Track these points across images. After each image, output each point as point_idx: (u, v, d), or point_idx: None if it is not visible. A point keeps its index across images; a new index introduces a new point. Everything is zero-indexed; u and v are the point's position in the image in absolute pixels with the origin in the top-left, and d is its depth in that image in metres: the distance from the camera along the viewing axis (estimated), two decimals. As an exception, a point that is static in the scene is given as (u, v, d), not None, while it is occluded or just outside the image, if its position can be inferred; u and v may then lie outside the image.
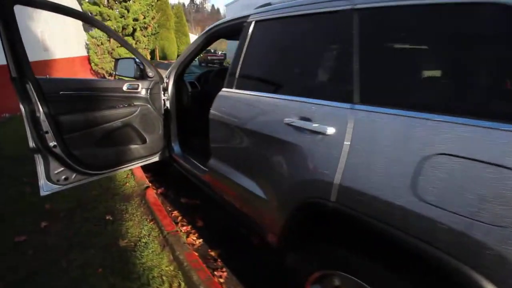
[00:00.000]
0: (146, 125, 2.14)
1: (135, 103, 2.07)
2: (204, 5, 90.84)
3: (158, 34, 14.13)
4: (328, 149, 0.95)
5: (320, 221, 1.07)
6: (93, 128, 1.83)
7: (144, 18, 10.04)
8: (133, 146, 2.11)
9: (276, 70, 1.32)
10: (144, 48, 10.51)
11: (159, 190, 2.65)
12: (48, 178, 1.71)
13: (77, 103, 1.75)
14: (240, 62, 1.51)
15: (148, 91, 2.11)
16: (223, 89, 1.59)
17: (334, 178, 0.92)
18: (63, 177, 1.77)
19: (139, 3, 9.58)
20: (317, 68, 1.16)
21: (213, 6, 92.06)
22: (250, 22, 1.50)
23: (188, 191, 2.60)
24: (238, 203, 1.59)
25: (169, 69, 2.33)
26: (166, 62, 21.88)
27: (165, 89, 2.25)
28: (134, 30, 9.78)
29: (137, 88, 2.06)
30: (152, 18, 10.75)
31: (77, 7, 8.91)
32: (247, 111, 1.35)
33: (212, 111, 1.60)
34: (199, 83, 2.51)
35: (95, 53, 9.18)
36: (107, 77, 9.67)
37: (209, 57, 20.77)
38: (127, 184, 2.63)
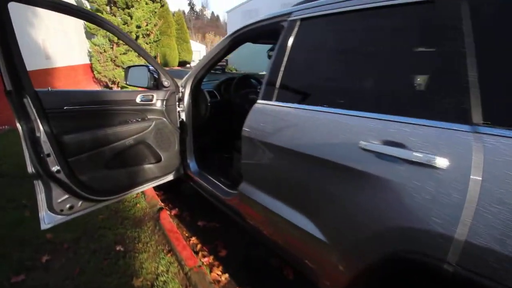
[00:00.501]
0: (161, 141, 1.88)
1: (149, 117, 1.81)
2: (204, 12, 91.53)
3: (160, 41, 13.98)
4: (442, 188, 0.68)
5: (421, 283, 0.80)
6: (102, 148, 1.56)
7: (147, 25, 9.87)
8: (146, 166, 1.84)
9: (342, 79, 1.05)
10: (147, 55, 10.32)
11: (173, 212, 2.37)
12: (50, 208, 1.45)
13: (84, 120, 1.49)
14: (282, 69, 1.25)
15: (164, 103, 1.85)
16: (259, 101, 1.33)
17: (454, 231, 0.65)
18: (68, 205, 1.50)
19: (142, 10, 9.42)
20: (406, 76, 0.89)
21: (212, 13, 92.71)
22: (294, 21, 1.25)
23: (205, 212, 2.33)
24: (280, 239, 1.31)
25: (185, 77, 2.08)
26: (176, 69, 21.89)
27: (180, 100, 2.00)
28: (137, 37, 9.60)
29: (151, 100, 1.80)
30: (155, 25, 10.59)
31: (79, 14, 8.76)
32: (299, 130, 1.08)
33: (246, 127, 1.34)
34: (218, 92, 2.26)
35: (98, 61, 8.98)
36: (109, 85, 9.46)
37: (210, 63, 20.62)
38: (138, 205, 2.36)
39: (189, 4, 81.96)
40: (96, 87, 9.59)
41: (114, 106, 1.62)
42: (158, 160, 1.90)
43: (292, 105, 1.15)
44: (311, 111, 1.06)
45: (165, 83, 1.85)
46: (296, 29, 1.23)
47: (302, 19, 1.22)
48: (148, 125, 1.78)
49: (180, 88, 2.00)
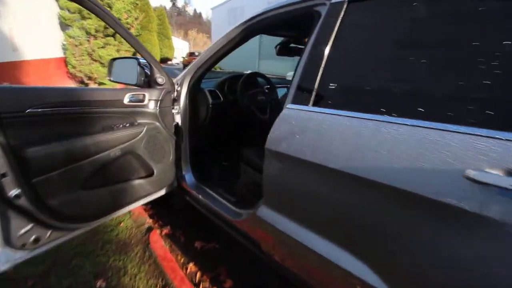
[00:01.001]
0: (154, 151, 1.54)
1: (139, 121, 1.47)
2: (186, 9, 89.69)
3: (140, 36, 13.26)
4: None
5: None
6: (80, 163, 1.21)
7: (127, 18, 9.27)
8: (136, 182, 1.50)
9: (429, 78, 0.78)
10: (126, 50, 9.71)
11: (164, 231, 2.03)
12: (8, 242, 1.08)
13: (55, 126, 1.13)
14: (322, 65, 0.97)
15: (158, 104, 1.52)
16: (290, 106, 1.04)
17: None
18: (32, 238, 1.14)
19: (123, 1, 8.82)
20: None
21: (195, 10, 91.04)
22: (339, 4, 0.97)
23: (201, 229, 2.01)
24: (311, 276, 1.04)
25: (182, 75, 1.75)
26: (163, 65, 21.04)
27: (175, 100, 1.68)
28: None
29: (142, 100, 1.46)
30: (136, 19, 9.99)
31: (52, 3, 8.04)
32: (358, 147, 0.80)
33: (273, 139, 1.04)
34: (221, 92, 1.94)
35: (73, 54, 8.29)
36: (85, 81, 8.79)
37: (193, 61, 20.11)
38: (122, 224, 2.00)
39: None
40: (70, 83, 8.89)
41: (96, 108, 1.27)
42: (150, 173, 1.56)
43: (343, 113, 0.87)
44: (376, 122, 0.78)
45: (159, 80, 1.52)
46: (342, 14, 0.95)
47: (350, 1, 0.94)
48: (138, 132, 1.44)
49: (176, 87, 1.68)
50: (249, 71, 2.09)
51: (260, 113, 1.91)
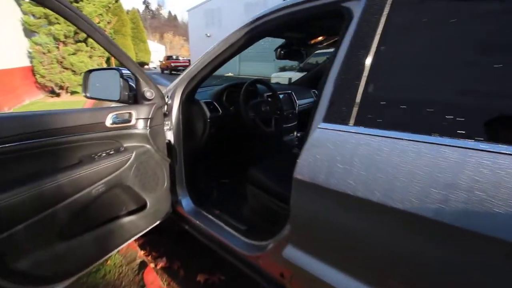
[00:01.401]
0: (146, 179, 1.29)
1: (126, 145, 1.21)
2: (160, 11, 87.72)
3: (114, 41, 12.64)
4: None
5: None
6: (53, 208, 0.94)
7: (99, 22, 8.74)
8: (126, 220, 1.25)
9: None
10: (100, 56, 9.18)
11: (160, 264, 1.76)
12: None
13: (14, 167, 0.86)
14: (366, 75, 0.77)
15: (148, 123, 1.26)
16: (322, 125, 0.83)
17: None
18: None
19: (94, 5, 8.30)
20: None
21: (170, 12, 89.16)
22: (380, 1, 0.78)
23: (202, 257, 1.77)
24: None
25: (173, 85, 1.51)
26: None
27: (166, 115, 1.43)
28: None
29: (129, 120, 1.21)
30: (108, 23, 9.48)
31: (15, 8, 7.40)
32: (434, 185, 0.60)
33: (303, 166, 0.83)
34: (219, 103, 1.70)
35: (41, 62, 7.69)
36: (56, 90, 8.18)
37: (172, 64, 19.57)
38: (109, 262, 1.71)
39: (144, 2, 78.06)
40: (39, 94, 8.25)
41: (70, 136, 1.00)
42: (142, 206, 1.31)
43: (405, 136, 0.67)
44: (458, 149, 0.59)
45: (148, 94, 1.26)
46: (387, 11, 0.76)
47: (398, -6, 0.75)
48: (126, 159, 1.18)
49: (166, 100, 1.43)
50: (279, 78, 1.86)
51: (265, 125, 1.70)
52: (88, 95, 1.31)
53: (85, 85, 1.31)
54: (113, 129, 1.14)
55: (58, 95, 8.24)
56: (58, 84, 8.01)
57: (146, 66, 25.85)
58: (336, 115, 0.82)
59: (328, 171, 0.78)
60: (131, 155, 1.20)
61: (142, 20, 31.10)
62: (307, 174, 0.82)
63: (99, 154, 1.09)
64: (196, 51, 22.39)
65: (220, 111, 1.66)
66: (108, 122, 1.12)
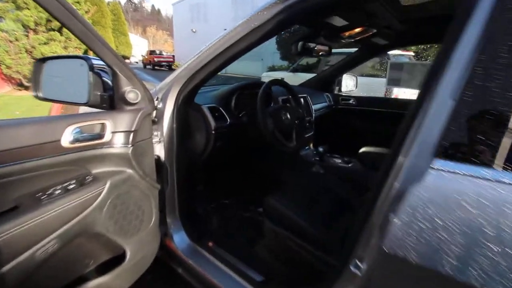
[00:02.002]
0: (126, 219, 0.89)
1: (96, 173, 0.81)
2: (143, 5, 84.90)
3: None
4: None
5: None
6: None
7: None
8: (93, 284, 0.84)
9: None
10: (76, 48, 8.43)
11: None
12: None
13: None
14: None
15: (130, 138, 0.86)
16: (439, 164, 0.48)
17: None
18: None
19: (69, -10, 7.57)
20: None
21: (153, 6, 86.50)
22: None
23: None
24: None
25: (165, 83, 1.11)
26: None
27: (154, 122, 1.05)
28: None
29: (100, 136, 0.80)
30: (86, 12, 8.75)
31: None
32: None
33: (400, 237, 0.47)
34: (227, 110, 1.31)
35: (6, 52, 6.90)
36: (25, 83, 7.41)
37: (155, 59, 18.76)
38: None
39: (126, -6, 75.39)
40: (5, 86, 7.44)
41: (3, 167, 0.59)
42: (119, 258, 0.90)
43: None
44: None
45: (131, 96, 0.86)
46: None
47: None
48: (96, 194, 0.78)
49: (156, 103, 1.04)
50: (270, 78, 1.48)
51: (285, 139, 1.33)
52: (40, 95, 0.89)
53: (36, 81, 0.89)
54: (75, 150, 0.73)
55: (26, 88, 7.46)
56: (27, 76, 7.24)
57: (127, 61, 24.75)
58: (465, 153, 0.47)
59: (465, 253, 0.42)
60: (104, 187, 0.80)
61: (123, 12, 29.82)
62: (415, 253, 0.47)
63: (49, 191, 0.68)
64: (181, 46, 21.62)
65: (228, 120, 1.27)
66: (66, 139, 0.71)
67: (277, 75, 6.92)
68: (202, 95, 1.28)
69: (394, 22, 1.41)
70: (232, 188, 1.59)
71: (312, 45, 1.36)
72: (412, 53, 5.90)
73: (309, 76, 5.57)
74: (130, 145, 0.86)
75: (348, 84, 2.23)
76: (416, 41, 1.99)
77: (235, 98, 1.34)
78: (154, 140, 1.06)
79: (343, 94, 2.25)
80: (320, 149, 1.57)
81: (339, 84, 2.22)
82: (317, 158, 1.58)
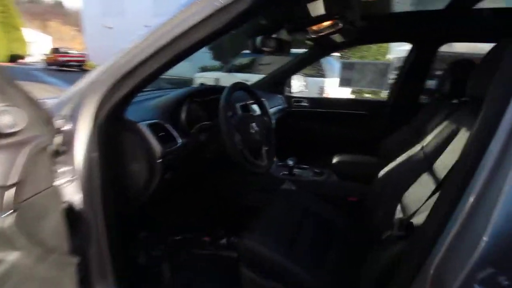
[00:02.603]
0: None
1: None
2: (41, -5, 72.52)
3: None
4: None
5: None
6: None
7: None
8: None
9: None
10: None
11: None
12: None
13: None
14: None
15: (7, 200, 0.46)
16: None
17: None
18: None
19: None
20: None
21: (54, -3, 74.61)
22: None
23: None
24: None
25: (75, 90, 0.72)
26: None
27: (58, 154, 0.66)
28: None
29: None
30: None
31: None
32: None
33: None
34: (175, 126, 0.94)
35: None
36: None
37: (61, 58, 16.08)
38: None
39: (16, -19, 63.26)
40: None
41: None
42: None
43: None
44: None
45: (5, 121, 0.47)
46: None
47: None
48: None
49: (59, 123, 0.65)
50: (204, 80, 1.14)
51: (256, 157, 1.04)
52: None
53: None
54: None
55: None
56: None
57: (21, 61, 20.64)
58: None
59: None
60: None
61: (16, 3, 24.83)
62: None
63: None
64: (94, 44, 19.03)
65: (179, 140, 0.92)
66: None
67: (211, 75, 6.53)
68: (135, 106, 0.90)
69: (357, 17, 1.28)
70: (190, 227, 1.24)
71: (274, 40, 1.11)
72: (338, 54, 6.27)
73: (245, 76, 5.38)
74: (8, 212, 0.46)
75: (299, 85, 2.09)
76: (374, 39, 1.95)
77: (185, 109, 0.99)
78: (61, 182, 0.66)
79: (294, 95, 2.09)
80: (290, 162, 1.35)
81: (289, 85, 2.05)
82: (286, 173, 1.36)
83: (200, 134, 0.99)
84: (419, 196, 0.82)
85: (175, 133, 0.92)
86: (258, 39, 1.12)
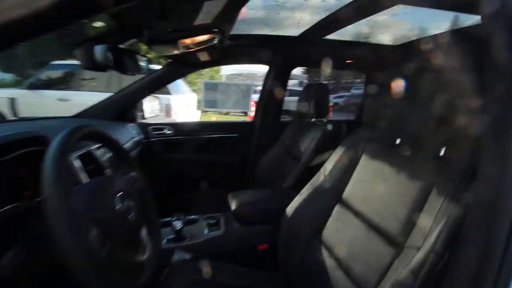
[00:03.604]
0: None
1: None
2: None
3: None
4: None
5: None
6: None
7: None
8: None
9: None
10: None
11: None
12: None
13: None
14: None
15: None
16: None
17: None
18: None
19: None
20: None
21: None
22: None
23: None
24: None
25: None
26: None
27: None
28: None
29: None
30: None
31: None
32: None
33: None
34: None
35: None
36: None
37: None
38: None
39: None
40: None
41: None
42: None
43: None
44: None
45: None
46: None
47: None
48: None
49: None
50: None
51: (132, 253, 0.57)
52: None
53: None
54: None
55: None
56: None
57: None
58: None
59: None
60: None
61: None
62: None
63: None
64: None
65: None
66: None
67: (4, 94, 4.51)
68: None
69: (228, 35, 1.09)
70: None
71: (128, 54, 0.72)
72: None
73: (59, 93, 4.07)
74: None
75: (152, 107, 1.67)
76: (232, 60, 1.84)
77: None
78: None
79: (150, 121, 1.66)
80: (177, 224, 0.94)
81: (141, 109, 1.60)
82: (172, 237, 0.96)
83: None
84: (345, 235, 0.76)
85: None
86: (99, 49, 0.68)
